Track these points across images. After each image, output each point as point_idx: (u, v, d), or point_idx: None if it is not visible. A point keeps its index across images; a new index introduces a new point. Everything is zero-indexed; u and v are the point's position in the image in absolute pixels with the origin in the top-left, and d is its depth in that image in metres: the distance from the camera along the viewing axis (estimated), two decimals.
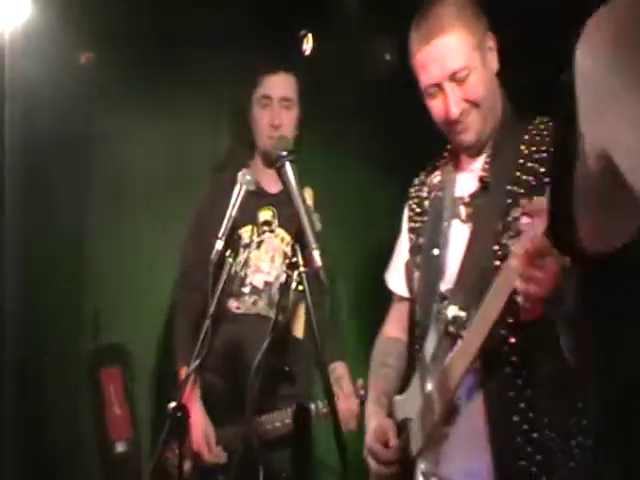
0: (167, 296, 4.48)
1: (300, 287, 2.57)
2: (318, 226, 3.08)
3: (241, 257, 3.72)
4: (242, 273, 3.74)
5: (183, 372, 3.62)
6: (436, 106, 2.46)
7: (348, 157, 5.30)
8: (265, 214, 3.77)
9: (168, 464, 3.53)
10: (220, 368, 3.66)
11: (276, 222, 3.78)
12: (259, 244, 3.76)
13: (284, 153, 2.54)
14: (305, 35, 4.78)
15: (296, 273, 2.56)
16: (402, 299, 2.87)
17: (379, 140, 5.13)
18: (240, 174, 2.97)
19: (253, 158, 3.88)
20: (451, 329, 2.39)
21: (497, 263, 2.33)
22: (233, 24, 4.78)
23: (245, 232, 3.73)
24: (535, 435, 2.35)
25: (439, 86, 2.42)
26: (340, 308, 3.77)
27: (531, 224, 2.02)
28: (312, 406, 3.58)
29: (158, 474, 3.40)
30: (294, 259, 2.53)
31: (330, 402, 2.52)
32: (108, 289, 4.72)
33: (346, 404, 3.54)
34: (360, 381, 3.62)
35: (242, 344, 3.63)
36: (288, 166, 2.53)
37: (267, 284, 3.77)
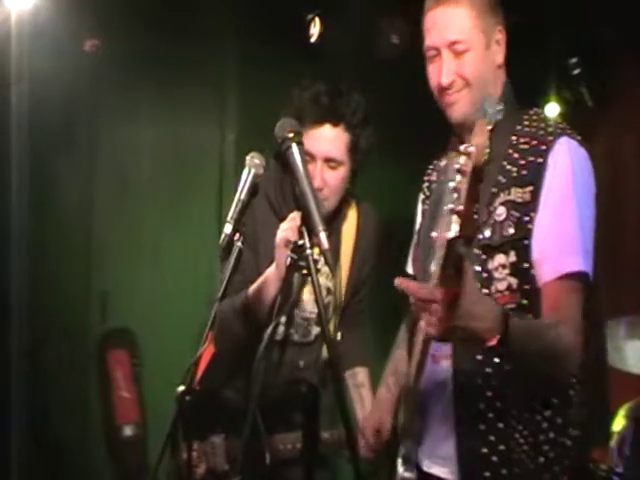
0: (172, 280, 4.50)
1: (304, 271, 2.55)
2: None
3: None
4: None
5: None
6: (432, 71, 2.50)
7: None
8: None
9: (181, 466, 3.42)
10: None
11: (322, 260, 3.37)
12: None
13: (290, 135, 2.52)
14: (312, 19, 4.77)
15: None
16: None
17: (387, 124, 5.13)
18: (248, 157, 2.92)
19: None
20: None
21: (476, 251, 2.35)
22: (239, 11, 4.79)
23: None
24: (500, 425, 2.35)
25: (438, 50, 2.46)
26: (364, 309, 3.65)
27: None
28: (325, 434, 3.15)
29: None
30: (300, 241, 2.51)
31: (344, 417, 2.41)
32: (115, 273, 4.73)
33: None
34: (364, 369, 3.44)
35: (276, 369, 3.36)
36: (295, 148, 2.51)
37: (305, 319, 3.52)
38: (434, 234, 2.50)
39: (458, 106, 2.45)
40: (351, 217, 3.47)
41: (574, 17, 4.35)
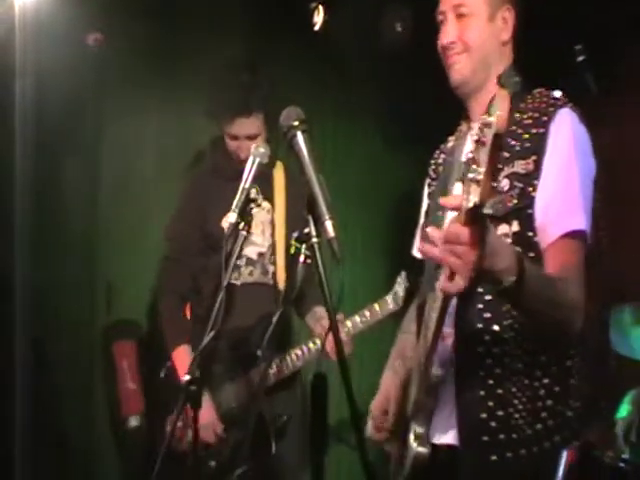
0: None
1: (308, 260, 2.57)
2: None
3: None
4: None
5: (180, 351, 3.87)
6: (440, 33, 2.61)
7: (360, 127, 5.30)
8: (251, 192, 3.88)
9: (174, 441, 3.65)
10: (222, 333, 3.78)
11: (260, 197, 3.87)
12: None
13: (296, 123, 2.52)
14: (316, 7, 4.77)
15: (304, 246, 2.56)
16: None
17: (392, 111, 5.14)
18: (253, 146, 2.97)
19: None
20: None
21: None
22: (243, 2, 4.79)
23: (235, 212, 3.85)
24: (499, 391, 2.41)
25: (445, 15, 2.58)
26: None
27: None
28: (304, 347, 3.92)
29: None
30: (306, 230, 2.51)
31: (343, 369, 2.49)
32: (121, 265, 4.72)
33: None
34: (339, 315, 3.72)
35: (243, 310, 3.82)
36: (300, 136, 2.51)
37: (260, 255, 4.04)
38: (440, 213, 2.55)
39: (457, 67, 2.55)
40: (278, 177, 4.08)
41: (579, 2, 4.34)
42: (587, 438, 2.98)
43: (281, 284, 4.04)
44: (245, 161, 3.79)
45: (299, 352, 3.92)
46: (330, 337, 3.43)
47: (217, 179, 4.02)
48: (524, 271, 2.11)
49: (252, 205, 3.79)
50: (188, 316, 4.08)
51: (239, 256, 3.81)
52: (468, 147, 2.57)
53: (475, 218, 1.93)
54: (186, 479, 3.47)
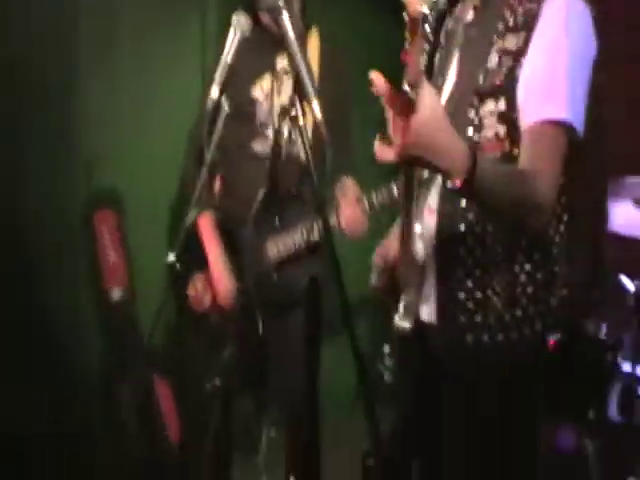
0: (160, 141, 4.45)
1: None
2: None
3: (265, 104, 3.78)
4: (266, 119, 3.80)
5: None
6: None
7: None
8: (282, 60, 3.75)
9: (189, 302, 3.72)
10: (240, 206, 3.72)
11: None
12: (280, 90, 3.80)
13: (280, 2, 2.46)
14: None
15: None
16: None
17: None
18: (235, 18, 2.86)
19: None
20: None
21: (470, 97, 2.36)
22: None
23: (265, 81, 3.79)
24: (478, 273, 2.38)
25: None
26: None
27: None
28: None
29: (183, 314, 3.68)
30: (293, 112, 2.49)
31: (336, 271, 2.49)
32: (101, 134, 4.62)
33: (351, 209, 3.66)
34: (358, 192, 3.74)
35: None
36: (285, 15, 2.47)
37: None
38: None
39: None
40: (312, 45, 3.81)
41: None
42: (578, 327, 2.99)
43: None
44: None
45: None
46: (346, 212, 3.60)
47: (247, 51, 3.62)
48: (475, 173, 2.07)
49: (285, 76, 3.76)
50: (218, 188, 3.99)
51: (267, 127, 3.79)
52: (469, 15, 2.51)
53: (404, 103, 1.94)
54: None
